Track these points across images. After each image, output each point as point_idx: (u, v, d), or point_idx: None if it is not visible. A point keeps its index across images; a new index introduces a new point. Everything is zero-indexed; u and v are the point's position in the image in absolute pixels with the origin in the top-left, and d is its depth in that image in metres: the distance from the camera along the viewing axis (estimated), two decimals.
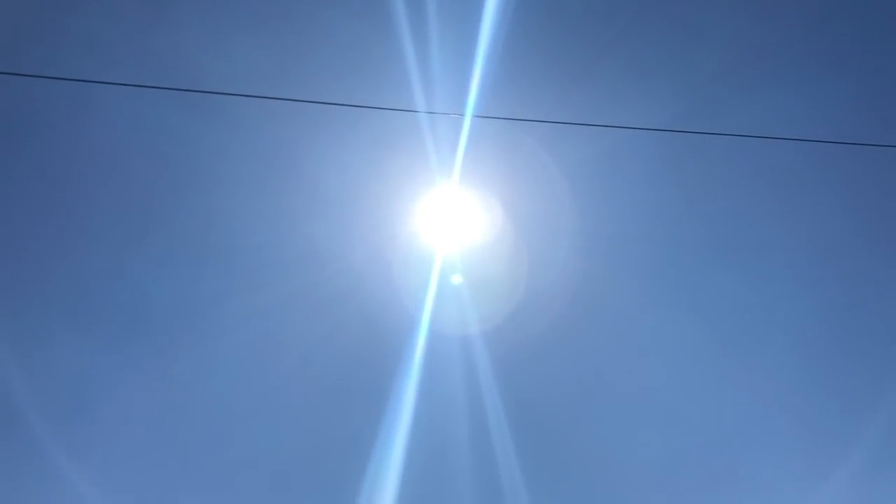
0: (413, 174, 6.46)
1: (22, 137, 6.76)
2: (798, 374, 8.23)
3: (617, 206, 6.97)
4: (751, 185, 7.02)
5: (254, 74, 5.44)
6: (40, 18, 5.58)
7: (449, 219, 6.41)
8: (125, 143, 6.72)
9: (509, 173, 6.37)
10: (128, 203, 7.17)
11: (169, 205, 7.27)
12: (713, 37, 6.19)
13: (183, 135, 6.50)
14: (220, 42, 5.65)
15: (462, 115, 3.89)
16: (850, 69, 6.64)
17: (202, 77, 5.53)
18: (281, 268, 8.20)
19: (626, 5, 5.87)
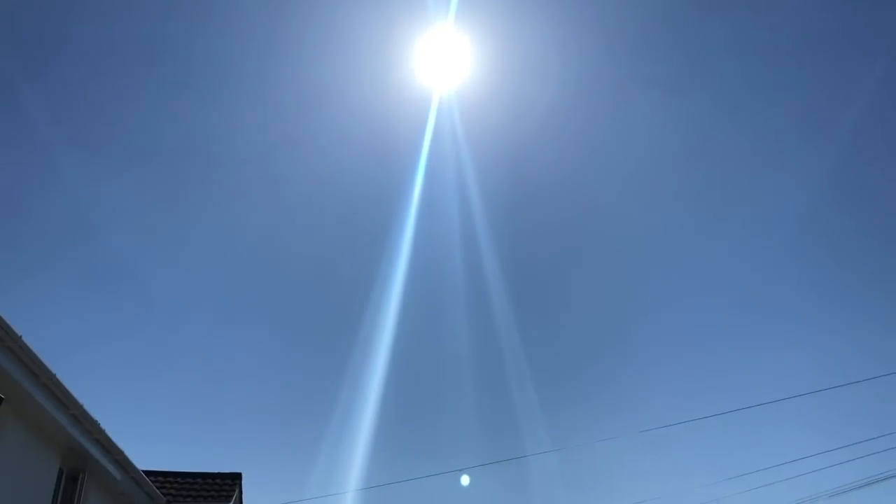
0: (410, 9, 6.13)
1: None
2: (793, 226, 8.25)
3: (619, 46, 6.68)
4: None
5: None
6: None
7: (446, 58, 6.15)
8: None
9: (508, 8, 6.04)
10: (140, 33, 6.91)
11: (180, 37, 7.02)
12: None
13: None
14: None
15: None
16: None
17: None
18: (286, 107, 8.10)
19: None
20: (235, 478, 8.74)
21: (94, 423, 5.43)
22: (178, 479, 8.43)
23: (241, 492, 8.82)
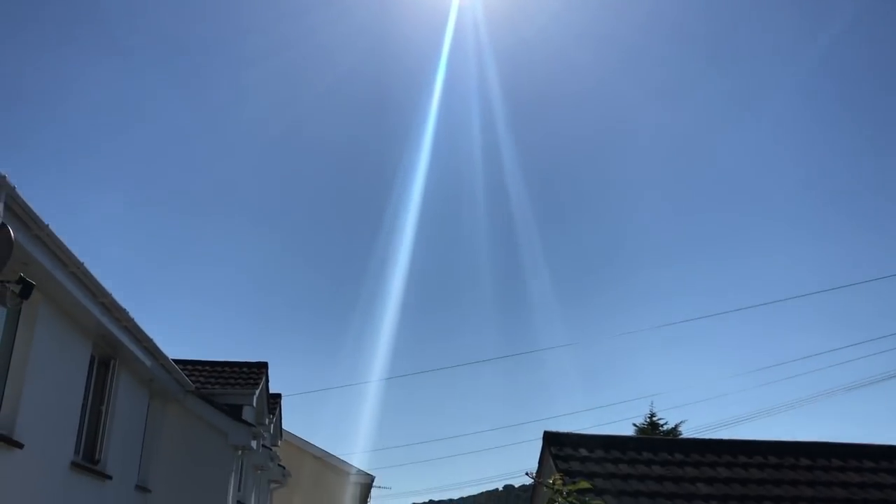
0: None
1: None
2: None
3: None
4: None
5: None
6: None
7: None
8: None
9: None
10: None
11: None
12: None
13: None
14: None
15: None
16: None
17: None
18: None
19: None
20: (262, 367, 8.95)
21: (124, 312, 5.50)
22: (207, 367, 8.65)
23: (267, 380, 9.05)
